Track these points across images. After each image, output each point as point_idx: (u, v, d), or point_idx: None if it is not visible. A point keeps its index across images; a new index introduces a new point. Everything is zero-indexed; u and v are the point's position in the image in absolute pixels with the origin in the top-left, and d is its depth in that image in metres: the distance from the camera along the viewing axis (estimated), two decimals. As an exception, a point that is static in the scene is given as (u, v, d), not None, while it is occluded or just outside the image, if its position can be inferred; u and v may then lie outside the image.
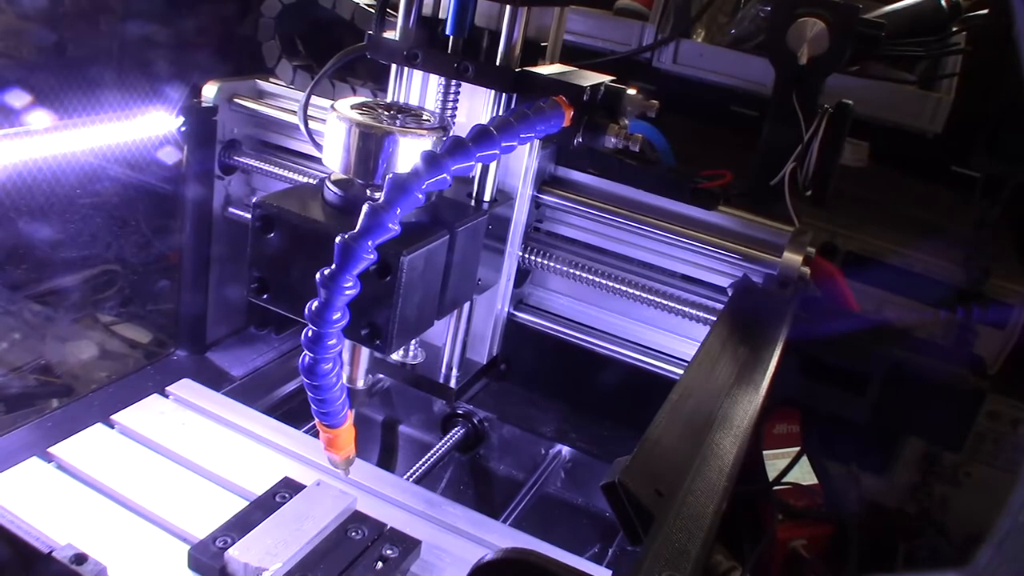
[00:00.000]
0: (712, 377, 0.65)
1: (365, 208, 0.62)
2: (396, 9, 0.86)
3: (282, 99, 1.18)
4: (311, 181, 1.11)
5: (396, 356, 0.98)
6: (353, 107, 0.77)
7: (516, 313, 1.06)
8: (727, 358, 0.69)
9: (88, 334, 1.56)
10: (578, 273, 1.00)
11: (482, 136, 0.68)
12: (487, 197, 0.90)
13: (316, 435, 0.79)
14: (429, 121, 0.78)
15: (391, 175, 0.64)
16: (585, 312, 1.07)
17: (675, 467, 0.52)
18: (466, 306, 0.97)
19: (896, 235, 1.30)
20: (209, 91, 1.12)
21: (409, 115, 0.79)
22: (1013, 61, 1.23)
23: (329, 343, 0.64)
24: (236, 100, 1.15)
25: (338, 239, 0.62)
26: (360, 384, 0.84)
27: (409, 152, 0.75)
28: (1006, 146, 1.21)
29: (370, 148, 0.74)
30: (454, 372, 0.99)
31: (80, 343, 1.54)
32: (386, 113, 0.78)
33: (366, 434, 1.21)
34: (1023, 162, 1.22)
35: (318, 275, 0.62)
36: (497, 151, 0.70)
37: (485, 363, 1.03)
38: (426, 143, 0.75)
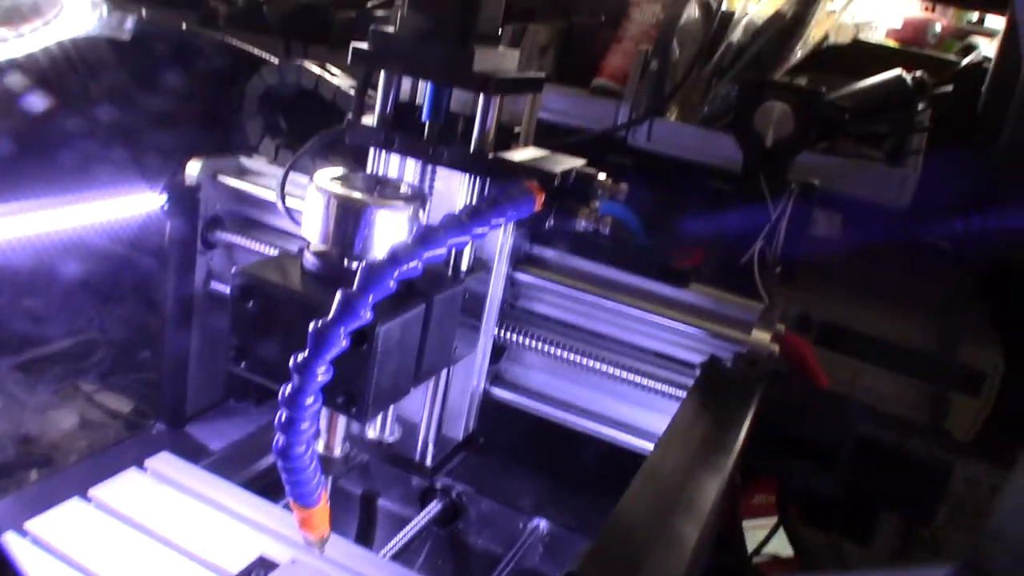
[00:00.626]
0: (678, 459, 0.66)
1: (338, 296, 0.64)
2: (375, 92, 0.90)
3: (265, 176, 1.20)
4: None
5: (372, 433, 0.99)
6: (332, 179, 0.79)
7: (492, 389, 1.07)
8: (693, 439, 0.70)
9: (70, 404, 1.56)
10: (553, 350, 1.02)
11: (453, 224, 0.71)
12: (464, 267, 0.92)
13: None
14: (407, 192, 0.80)
15: (364, 263, 0.65)
16: (561, 388, 1.08)
17: (636, 554, 0.53)
18: (442, 382, 0.98)
19: (870, 305, 1.32)
20: (193, 168, 1.14)
21: (387, 187, 0.81)
22: (978, 135, 1.27)
23: (302, 427, 0.66)
24: (219, 177, 1.17)
25: (311, 326, 0.63)
26: (337, 452, 0.84)
27: (386, 223, 0.76)
28: (973, 218, 1.24)
29: (348, 218, 0.75)
30: (430, 449, 1.00)
31: (61, 412, 1.54)
32: (365, 184, 0.80)
33: (344, 508, 1.21)
34: (991, 234, 1.26)
35: (291, 360, 0.64)
36: (468, 238, 0.72)
37: (462, 439, 1.04)
38: (403, 215, 0.77)
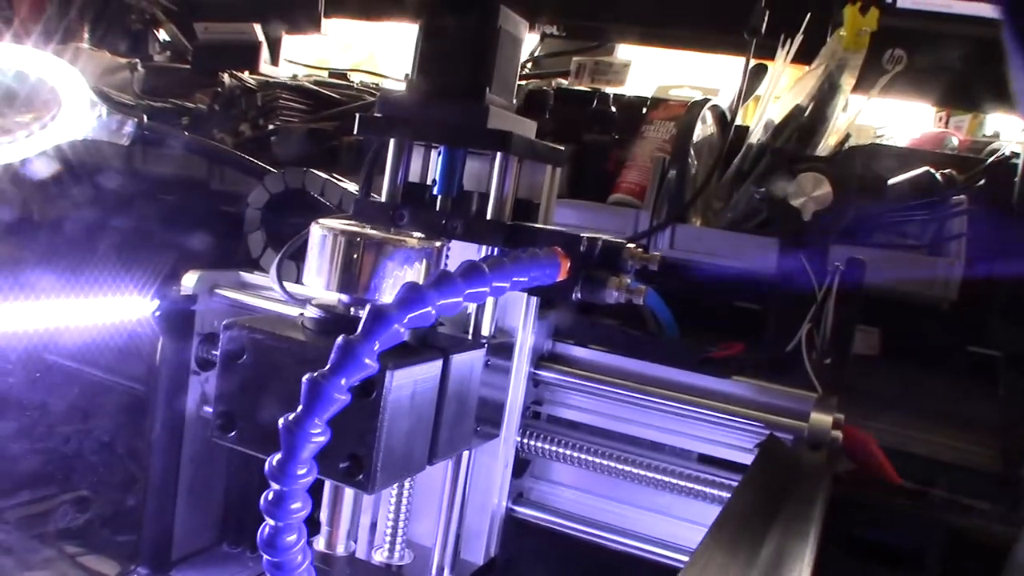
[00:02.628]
0: (736, 561, 0.54)
1: (338, 341, 0.55)
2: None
3: (266, 291, 1.12)
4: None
5: (379, 557, 0.87)
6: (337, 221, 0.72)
7: (515, 508, 0.95)
8: (752, 536, 0.58)
9: (52, 565, 1.43)
10: (584, 457, 0.91)
11: (472, 272, 0.62)
12: (485, 332, 0.82)
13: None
14: (421, 235, 0.74)
15: (369, 306, 0.57)
16: (595, 506, 0.96)
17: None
18: (457, 499, 0.87)
19: (921, 424, 1.22)
20: (189, 280, 1.07)
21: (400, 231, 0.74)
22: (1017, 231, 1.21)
23: (292, 505, 0.55)
24: (217, 291, 1.10)
25: (305, 377, 0.54)
26: (340, 549, 0.72)
27: (399, 263, 0.69)
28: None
29: (356, 258, 0.67)
30: (446, 574, 0.87)
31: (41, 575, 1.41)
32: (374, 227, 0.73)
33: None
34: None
35: (281, 420, 0.54)
36: (487, 289, 0.63)
37: (482, 564, 0.91)
38: (418, 254, 0.70)
